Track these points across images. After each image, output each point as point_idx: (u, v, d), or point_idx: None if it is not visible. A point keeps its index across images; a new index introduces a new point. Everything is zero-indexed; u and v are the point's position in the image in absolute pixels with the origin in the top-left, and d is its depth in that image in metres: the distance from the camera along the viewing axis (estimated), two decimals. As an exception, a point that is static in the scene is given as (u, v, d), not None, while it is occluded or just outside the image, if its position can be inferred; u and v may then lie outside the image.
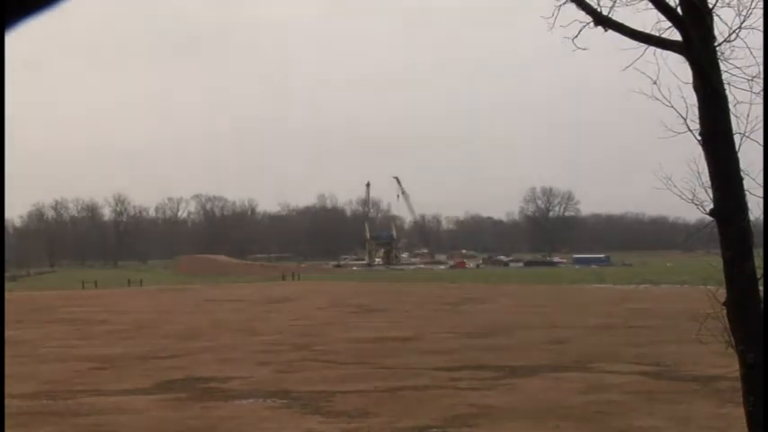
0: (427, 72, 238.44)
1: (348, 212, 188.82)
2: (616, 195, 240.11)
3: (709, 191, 7.46)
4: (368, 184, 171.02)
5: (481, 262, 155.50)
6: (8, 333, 27.73)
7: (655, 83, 7.69)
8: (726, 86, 7.38)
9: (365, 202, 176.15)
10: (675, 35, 7.44)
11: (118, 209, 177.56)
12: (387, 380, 21.68)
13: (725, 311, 7.56)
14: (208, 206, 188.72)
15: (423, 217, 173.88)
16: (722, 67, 7.38)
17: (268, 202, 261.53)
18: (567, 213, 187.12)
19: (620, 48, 7.82)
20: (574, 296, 60.31)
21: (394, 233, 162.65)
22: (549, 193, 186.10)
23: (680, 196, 7.84)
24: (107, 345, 31.89)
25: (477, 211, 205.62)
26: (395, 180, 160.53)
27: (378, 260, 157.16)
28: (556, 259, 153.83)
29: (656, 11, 7.45)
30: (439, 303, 53.57)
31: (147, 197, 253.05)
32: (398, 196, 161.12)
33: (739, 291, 7.36)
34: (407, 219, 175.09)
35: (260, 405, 18.66)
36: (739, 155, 7.40)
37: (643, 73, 7.69)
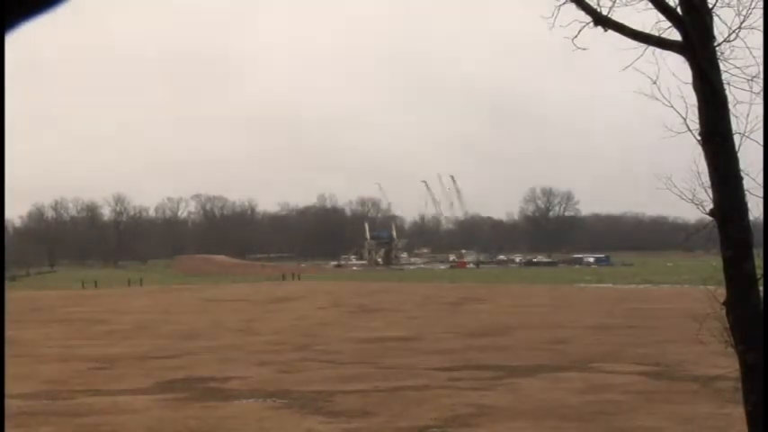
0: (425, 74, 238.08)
1: (348, 212, 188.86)
2: (616, 195, 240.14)
3: (709, 191, 7.46)
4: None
5: (481, 260, 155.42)
6: (8, 333, 27.69)
7: (655, 83, 7.70)
8: (726, 86, 7.38)
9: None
10: (675, 35, 7.44)
11: (118, 209, 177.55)
12: (387, 380, 21.68)
13: (725, 311, 7.56)
14: (208, 206, 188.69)
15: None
16: (722, 67, 7.39)
17: (268, 202, 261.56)
18: (566, 213, 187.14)
19: (620, 48, 7.83)
20: (574, 296, 60.31)
21: (394, 233, 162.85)
22: (549, 193, 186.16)
23: (680, 196, 7.85)
24: (107, 345, 31.89)
25: (477, 211, 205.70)
26: (450, 179, 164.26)
27: (378, 260, 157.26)
28: (555, 259, 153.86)
29: (656, 11, 7.45)
30: (439, 303, 53.56)
31: (147, 197, 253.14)
32: (449, 190, 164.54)
33: (739, 291, 7.35)
34: (455, 216, 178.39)
35: (260, 405, 18.67)
36: (739, 155, 7.40)
37: (643, 73, 7.70)
